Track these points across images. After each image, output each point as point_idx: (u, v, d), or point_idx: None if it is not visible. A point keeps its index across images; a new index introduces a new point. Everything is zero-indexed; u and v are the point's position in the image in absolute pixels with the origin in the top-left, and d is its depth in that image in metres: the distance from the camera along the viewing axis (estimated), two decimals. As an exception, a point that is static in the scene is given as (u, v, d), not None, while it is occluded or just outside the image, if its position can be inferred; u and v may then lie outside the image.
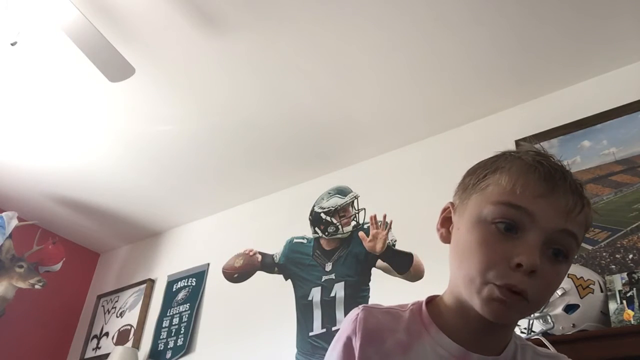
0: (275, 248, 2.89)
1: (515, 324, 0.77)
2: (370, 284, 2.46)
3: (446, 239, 0.78)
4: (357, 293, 2.47)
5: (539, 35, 2.11)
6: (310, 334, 2.51)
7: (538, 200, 0.69)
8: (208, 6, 2.10)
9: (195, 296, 3.08)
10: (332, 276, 2.60)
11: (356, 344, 0.74)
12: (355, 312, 0.77)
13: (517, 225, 0.69)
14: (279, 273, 2.81)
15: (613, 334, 1.52)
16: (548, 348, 1.45)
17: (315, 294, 2.60)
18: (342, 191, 2.81)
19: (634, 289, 1.59)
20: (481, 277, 0.68)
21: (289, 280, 2.76)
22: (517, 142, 2.27)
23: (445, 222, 0.79)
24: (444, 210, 0.80)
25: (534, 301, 0.68)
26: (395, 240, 2.46)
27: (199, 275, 3.15)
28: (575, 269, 1.70)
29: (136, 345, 3.14)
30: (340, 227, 2.71)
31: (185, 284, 3.18)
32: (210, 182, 3.09)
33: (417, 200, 2.49)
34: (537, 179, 0.70)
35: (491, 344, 0.74)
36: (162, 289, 3.29)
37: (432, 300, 0.79)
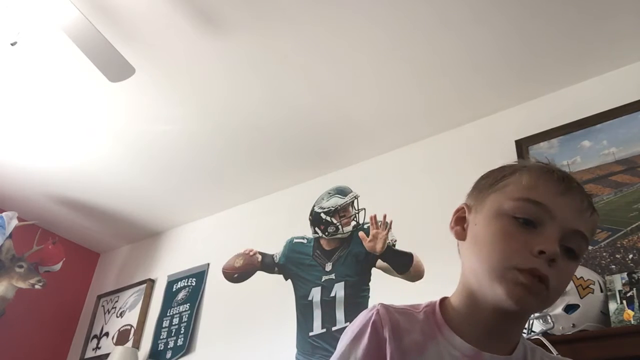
0: (275, 248, 2.89)
1: (525, 323, 0.78)
2: (370, 284, 2.46)
3: (461, 235, 0.80)
4: (357, 293, 2.47)
5: (539, 35, 2.11)
6: (310, 334, 2.51)
7: (557, 198, 0.73)
8: (208, 6, 2.10)
9: (195, 296, 3.08)
10: (332, 276, 2.60)
11: (386, 334, 0.75)
12: (375, 308, 0.78)
13: (536, 221, 0.72)
14: (279, 273, 2.81)
15: (613, 334, 1.52)
16: (548, 348, 1.45)
17: (315, 294, 2.60)
18: (342, 191, 2.81)
19: (634, 289, 1.59)
20: (504, 263, 0.70)
21: (289, 280, 2.76)
22: (517, 142, 2.28)
23: (459, 221, 0.81)
24: (458, 210, 0.82)
25: (553, 290, 0.70)
26: (395, 240, 2.46)
27: (199, 275, 3.15)
28: (575, 269, 1.70)
29: (136, 345, 3.14)
30: (340, 227, 2.71)
31: (185, 284, 3.18)
32: (210, 182, 3.09)
33: (417, 200, 2.49)
34: (556, 179, 0.75)
35: (501, 343, 0.75)
36: (162, 289, 3.29)
37: (443, 302, 0.81)
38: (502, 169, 0.80)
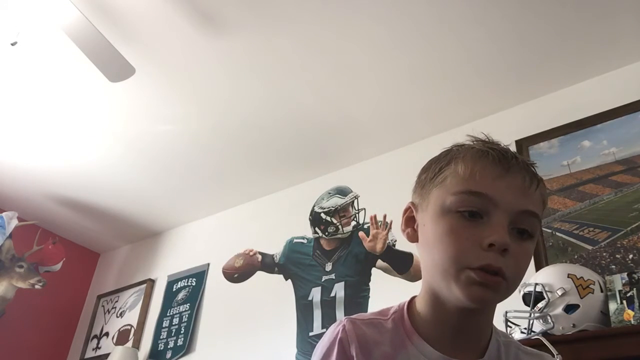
0: (275, 248, 2.89)
1: (493, 316, 0.76)
2: (370, 284, 2.46)
3: (413, 237, 0.79)
4: (357, 293, 2.47)
5: (539, 35, 2.11)
6: (310, 334, 2.51)
7: (496, 182, 0.71)
8: (208, 6, 2.10)
9: (195, 296, 3.08)
10: (332, 276, 2.60)
11: (353, 352, 0.73)
12: (341, 323, 0.77)
13: (481, 211, 0.70)
14: (279, 273, 2.81)
15: (613, 334, 1.52)
16: (548, 348, 1.45)
17: (316, 294, 2.60)
18: (342, 191, 2.81)
19: (634, 289, 1.59)
20: (456, 265, 0.68)
21: (289, 280, 2.76)
22: (517, 142, 2.28)
23: (409, 221, 0.80)
24: (406, 210, 0.81)
25: (510, 279, 0.69)
26: (395, 240, 2.46)
27: (199, 275, 3.15)
28: (575, 269, 1.70)
29: (136, 345, 3.14)
30: (340, 227, 2.71)
31: (185, 284, 3.18)
32: (210, 182, 3.09)
33: (417, 200, 2.49)
34: (491, 162, 0.72)
35: (471, 343, 0.74)
36: (162, 289, 3.29)
37: (411, 304, 0.79)
38: (438, 159, 0.78)
